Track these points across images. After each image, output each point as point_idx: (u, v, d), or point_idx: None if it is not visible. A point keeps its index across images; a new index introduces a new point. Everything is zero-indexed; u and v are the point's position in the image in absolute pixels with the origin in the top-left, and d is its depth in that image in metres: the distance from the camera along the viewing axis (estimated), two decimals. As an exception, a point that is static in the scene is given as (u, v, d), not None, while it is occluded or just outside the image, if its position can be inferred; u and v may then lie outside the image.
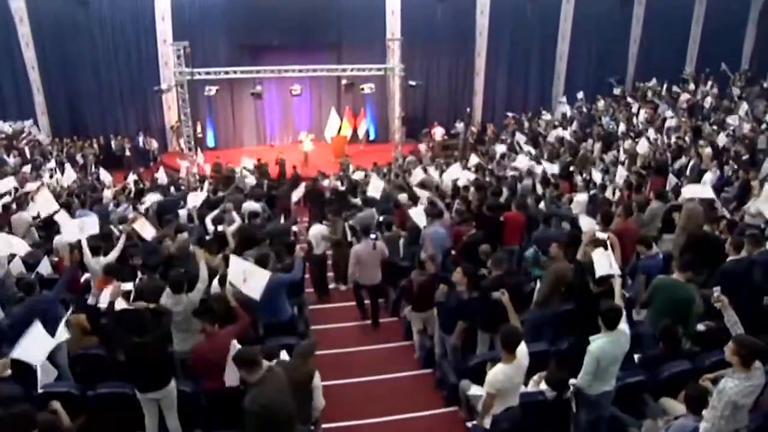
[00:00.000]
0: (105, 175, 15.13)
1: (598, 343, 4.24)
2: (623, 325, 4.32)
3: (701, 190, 7.85)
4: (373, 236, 7.44)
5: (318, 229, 8.40)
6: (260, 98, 18.66)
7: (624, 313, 4.38)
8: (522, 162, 12.92)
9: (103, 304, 5.41)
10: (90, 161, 18.95)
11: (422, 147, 19.75)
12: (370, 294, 7.69)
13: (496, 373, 3.99)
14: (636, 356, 5.12)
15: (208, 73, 15.89)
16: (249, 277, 5.33)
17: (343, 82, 17.68)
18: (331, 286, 8.89)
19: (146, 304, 5.09)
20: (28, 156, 16.70)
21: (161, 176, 14.17)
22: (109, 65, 20.27)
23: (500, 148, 16.61)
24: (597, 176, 11.41)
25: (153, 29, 19.98)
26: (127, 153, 19.89)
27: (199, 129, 21.06)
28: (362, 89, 17.91)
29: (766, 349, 3.78)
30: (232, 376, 4.43)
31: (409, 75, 20.65)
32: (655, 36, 22.67)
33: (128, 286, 5.57)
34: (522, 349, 4.10)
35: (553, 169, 11.87)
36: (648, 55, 22.86)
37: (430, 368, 6.29)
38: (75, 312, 5.98)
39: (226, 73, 16.20)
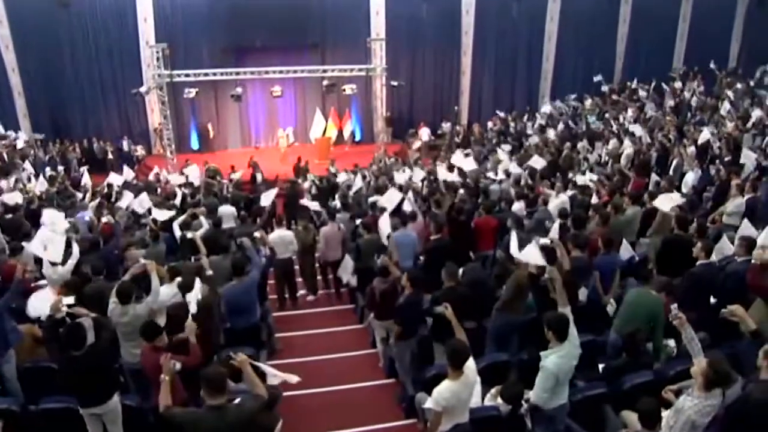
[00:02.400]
0: (86, 179, 14.86)
1: (552, 358, 4.06)
2: (572, 331, 4.13)
3: (671, 199, 7.67)
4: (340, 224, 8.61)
5: (279, 234, 8.16)
6: (240, 100, 18.42)
7: (570, 322, 4.19)
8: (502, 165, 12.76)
9: (34, 313, 5.21)
10: (73, 165, 18.72)
11: (408, 147, 19.58)
12: (333, 269, 8.55)
13: (442, 390, 3.79)
14: (600, 366, 4.98)
15: (187, 75, 15.68)
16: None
17: (324, 83, 17.43)
18: (302, 292, 8.70)
19: (87, 313, 4.89)
20: (6, 160, 16.48)
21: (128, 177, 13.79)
22: (91, 67, 20.05)
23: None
24: (580, 179, 11.19)
25: (135, 31, 19.71)
26: (110, 156, 19.63)
27: (211, 130, 20.99)
28: (344, 90, 17.71)
29: (733, 378, 3.69)
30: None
31: (395, 75, 20.57)
32: (642, 35, 22.52)
33: (70, 299, 5.35)
34: (470, 364, 3.91)
35: (538, 165, 11.66)
36: (635, 53, 22.78)
37: (394, 378, 6.11)
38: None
39: (206, 75, 16.00)
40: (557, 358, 4.04)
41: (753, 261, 5.14)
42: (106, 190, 12.84)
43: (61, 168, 17.18)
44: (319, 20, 20.66)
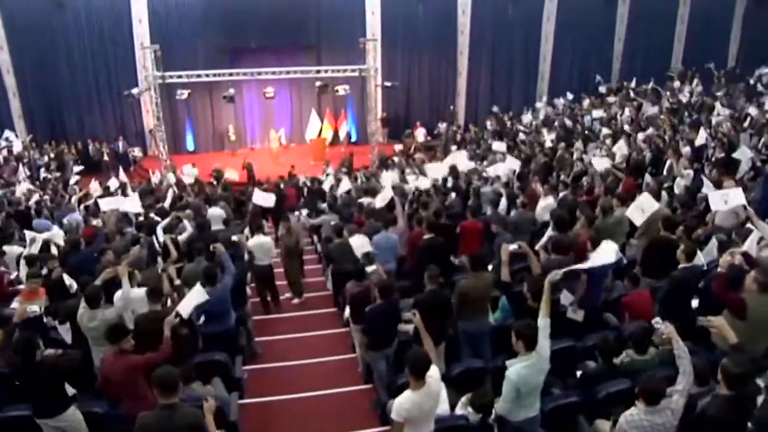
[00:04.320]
0: (74, 181, 14.82)
1: (516, 368, 3.93)
2: (543, 342, 4.02)
3: (641, 210, 7.37)
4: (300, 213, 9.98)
5: (258, 241, 8.03)
6: (233, 102, 18.36)
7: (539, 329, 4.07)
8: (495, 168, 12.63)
9: None
10: (69, 166, 18.67)
11: (398, 148, 19.48)
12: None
13: (402, 401, 3.68)
14: (578, 372, 4.87)
15: (180, 77, 15.60)
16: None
17: (317, 84, 17.34)
18: (287, 295, 8.61)
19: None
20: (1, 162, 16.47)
21: (113, 183, 13.68)
22: (86, 68, 20.04)
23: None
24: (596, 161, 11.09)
25: (130, 32, 19.70)
26: (105, 158, 19.56)
27: (232, 131, 20.88)
28: (337, 91, 17.63)
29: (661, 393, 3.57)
30: None
31: (391, 75, 20.54)
32: (639, 35, 22.46)
33: (34, 307, 5.26)
34: (433, 374, 3.80)
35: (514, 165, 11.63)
36: (633, 54, 22.68)
37: (372, 383, 6.00)
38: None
39: (198, 76, 15.92)
40: (521, 369, 3.92)
41: (719, 269, 4.92)
42: (98, 192, 12.78)
43: (55, 171, 17.22)
44: (315, 21, 20.60)
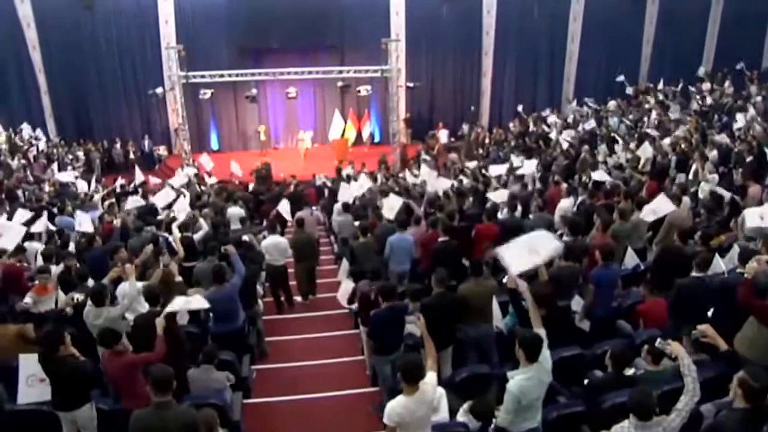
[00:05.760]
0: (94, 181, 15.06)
1: (517, 380, 3.83)
2: (545, 353, 3.92)
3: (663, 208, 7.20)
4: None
5: (273, 241, 8.05)
6: (255, 101, 18.52)
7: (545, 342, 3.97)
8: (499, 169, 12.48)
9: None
10: (96, 165, 19.06)
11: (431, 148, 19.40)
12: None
13: (394, 405, 3.62)
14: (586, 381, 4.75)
15: (203, 76, 15.78)
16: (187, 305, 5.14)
17: (339, 84, 17.37)
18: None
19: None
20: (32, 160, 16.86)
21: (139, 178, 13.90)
22: (113, 68, 20.42)
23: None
24: (596, 175, 10.79)
25: (157, 32, 20.01)
26: (131, 156, 19.90)
27: (262, 131, 21.07)
28: (359, 91, 17.63)
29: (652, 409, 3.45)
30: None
31: (415, 76, 20.50)
32: (669, 36, 21.88)
33: (79, 295, 5.37)
34: (429, 380, 3.73)
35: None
36: (662, 55, 22.08)
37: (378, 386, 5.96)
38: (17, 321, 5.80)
39: (221, 76, 16.07)
40: (523, 381, 3.83)
41: (745, 275, 4.76)
42: (119, 189, 13.04)
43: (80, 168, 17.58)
44: (338, 21, 20.59)
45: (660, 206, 7.15)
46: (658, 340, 3.87)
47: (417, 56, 21.53)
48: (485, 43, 21.76)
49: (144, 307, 5.31)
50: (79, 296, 5.64)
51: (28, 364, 4.54)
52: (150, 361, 4.26)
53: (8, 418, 4.79)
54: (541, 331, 4.01)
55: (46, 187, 13.65)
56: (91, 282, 6.21)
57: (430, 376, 3.76)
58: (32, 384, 4.56)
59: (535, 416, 3.97)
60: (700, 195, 9.90)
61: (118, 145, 20.14)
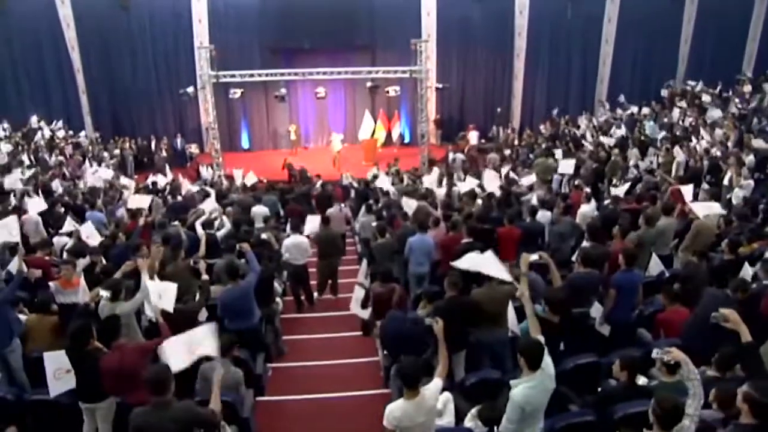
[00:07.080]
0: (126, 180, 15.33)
1: (520, 389, 3.73)
2: (548, 360, 3.83)
3: (709, 207, 7.08)
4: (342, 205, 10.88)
5: (294, 241, 8.07)
6: (284, 101, 18.66)
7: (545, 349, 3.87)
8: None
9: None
10: (129, 162, 19.49)
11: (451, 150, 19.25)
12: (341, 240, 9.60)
13: (393, 408, 3.60)
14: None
15: (233, 76, 15.96)
16: (163, 294, 5.18)
17: (368, 84, 17.38)
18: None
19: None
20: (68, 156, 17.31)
21: (160, 180, 14.11)
22: (148, 68, 20.85)
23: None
24: (614, 191, 10.54)
25: (190, 32, 20.36)
26: (163, 153, 20.26)
27: (293, 130, 21.27)
28: (387, 92, 17.62)
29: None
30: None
31: (445, 77, 20.39)
32: (708, 36, 21.24)
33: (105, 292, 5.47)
34: (432, 386, 3.68)
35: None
36: (700, 56, 21.41)
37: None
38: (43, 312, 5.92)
39: (251, 75, 16.22)
40: (526, 389, 3.73)
41: None
42: (150, 187, 13.28)
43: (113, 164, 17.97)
44: (369, 22, 20.66)
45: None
46: (655, 350, 3.74)
47: (448, 57, 21.45)
48: (517, 44, 21.52)
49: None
50: (105, 292, 5.75)
51: (53, 360, 4.65)
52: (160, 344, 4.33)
53: (31, 408, 4.93)
54: (540, 338, 3.91)
55: (81, 184, 14.01)
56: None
57: (435, 383, 3.71)
58: (59, 377, 4.67)
59: (537, 423, 3.89)
60: (734, 201, 9.63)
61: (153, 144, 20.57)
